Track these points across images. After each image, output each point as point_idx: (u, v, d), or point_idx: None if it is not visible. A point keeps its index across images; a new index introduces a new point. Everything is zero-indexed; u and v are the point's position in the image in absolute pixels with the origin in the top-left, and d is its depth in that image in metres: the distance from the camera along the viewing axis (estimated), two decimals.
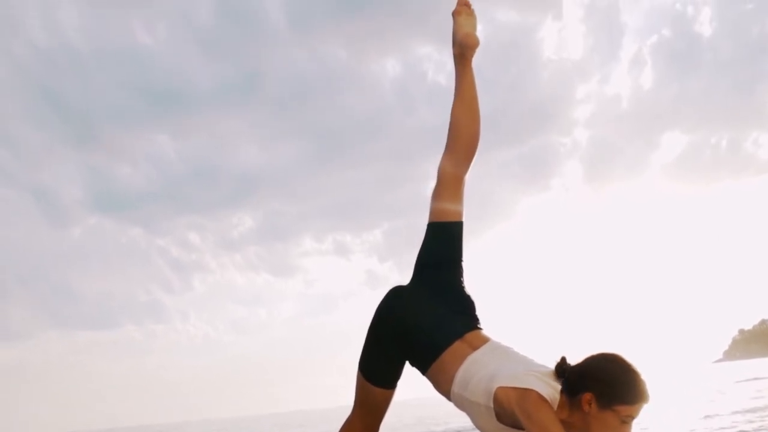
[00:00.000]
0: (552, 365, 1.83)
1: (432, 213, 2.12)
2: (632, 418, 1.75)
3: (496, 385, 1.78)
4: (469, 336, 1.96)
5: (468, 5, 2.24)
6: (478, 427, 1.90)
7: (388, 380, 2.07)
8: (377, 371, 2.07)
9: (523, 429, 1.73)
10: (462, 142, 2.13)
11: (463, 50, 2.19)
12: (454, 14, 2.24)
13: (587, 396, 1.74)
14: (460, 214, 2.12)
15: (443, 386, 1.95)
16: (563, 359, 1.83)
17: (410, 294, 2.06)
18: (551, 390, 1.76)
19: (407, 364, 2.05)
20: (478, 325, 2.02)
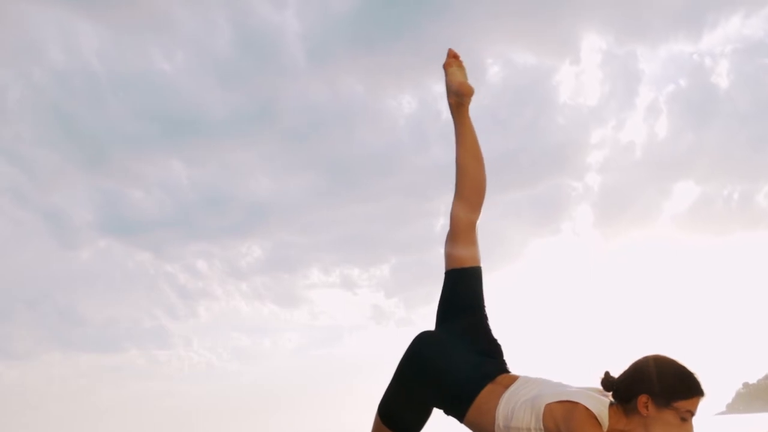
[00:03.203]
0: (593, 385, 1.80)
1: (448, 260, 2.10)
2: (692, 414, 1.71)
3: (543, 403, 1.73)
4: (500, 378, 1.92)
5: (457, 57, 2.31)
6: None
7: (412, 429, 2.02)
8: (402, 419, 2.01)
9: None
10: (472, 187, 2.14)
11: (459, 98, 2.23)
12: (445, 66, 2.30)
13: (643, 398, 1.71)
14: (477, 260, 2.11)
15: (486, 427, 1.85)
16: (607, 373, 1.81)
17: (439, 339, 2.02)
18: (599, 405, 1.71)
19: (440, 414, 1.99)
20: (508, 369, 1.99)
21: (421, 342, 2.02)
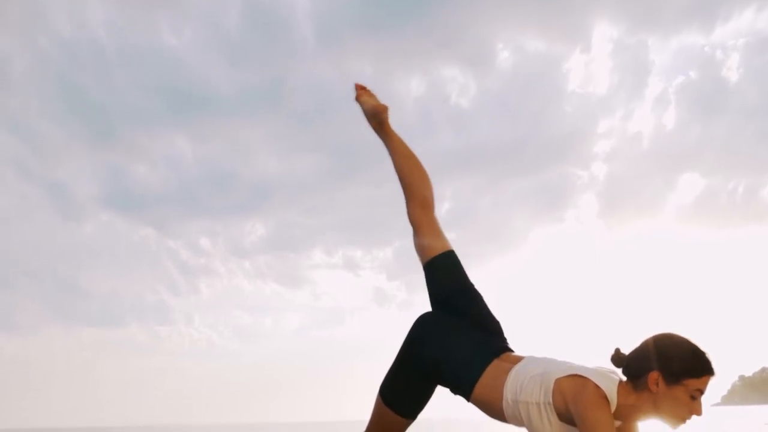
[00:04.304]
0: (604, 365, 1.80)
1: (421, 254, 2.14)
2: (701, 392, 1.71)
3: (553, 378, 1.74)
4: (506, 355, 1.93)
5: (364, 88, 2.37)
6: None
7: (413, 410, 2.04)
8: (403, 400, 2.02)
9: None
10: (416, 184, 2.20)
11: (378, 117, 2.29)
12: (357, 99, 2.36)
13: (654, 375, 1.71)
14: (447, 245, 2.14)
15: (494, 403, 1.85)
16: (617, 349, 1.82)
17: (441, 318, 2.04)
18: (609, 382, 1.72)
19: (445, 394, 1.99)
20: (510, 346, 2.00)
21: (424, 322, 2.03)
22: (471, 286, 2.10)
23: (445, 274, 2.11)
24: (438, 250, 2.12)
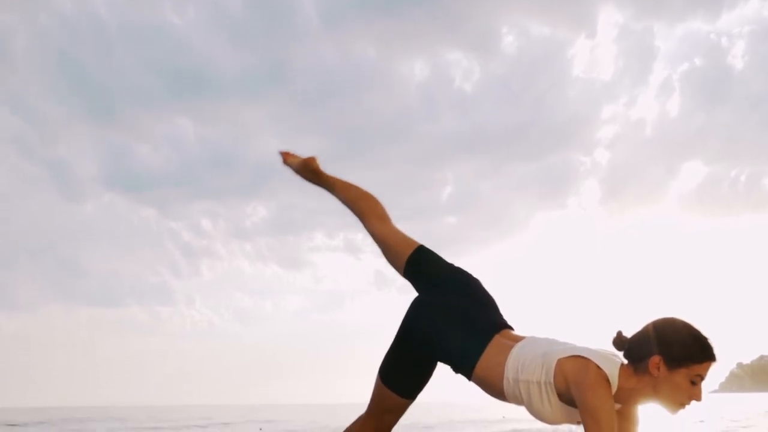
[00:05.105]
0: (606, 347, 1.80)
1: (396, 262, 2.16)
2: (702, 378, 1.71)
3: (555, 358, 1.74)
4: (506, 332, 1.93)
5: (287, 152, 2.47)
6: (536, 415, 1.83)
7: (413, 390, 2.04)
8: (402, 381, 2.02)
9: None
10: (367, 208, 2.27)
11: (310, 168, 2.39)
12: (286, 164, 2.47)
13: (655, 359, 1.71)
14: (416, 242, 2.17)
15: (495, 381, 1.85)
16: (620, 332, 1.82)
17: (437, 297, 2.03)
18: (610, 365, 1.71)
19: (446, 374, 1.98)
20: (507, 322, 2.00)
21: (421, 301, 2.04)
22: (456, 266, 2.11)
23: (426, 265, 2.12)
24: (409, 249, 2.15)
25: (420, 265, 2.13)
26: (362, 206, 2.29)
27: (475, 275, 2.11)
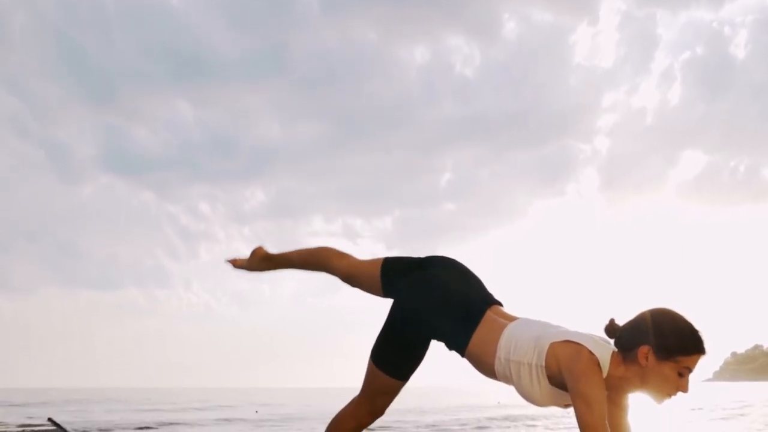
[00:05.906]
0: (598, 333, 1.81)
1: (372, 283, 2.18)
2: (690, 370, 1.72)
3: (548, 341, 1.75)
4: (495, 307, 1.95)
5: (234, 259, 2.49)
6: (524, 395, 1.84)
7: (406, 372, 2.03)
8: (395, 362, 2.02)
9: None
10: (323, 255, 2.32)
11: (261, 256, 2.43)
12: (237, 268, 2.49)
13: (644, 349, 1.71)
14: (380, 258, 2.21)
15: (487, 359, 1.86)
16: (612, 320, 1.82)
17: (426, 275, 2.04)
18: (602, 350, 1.73)
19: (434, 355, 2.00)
20: (497, 299, 2.03)
21: (413, 280, 2.04)
22: (430, 255, 2.13)
23: (400, 264, 2.15)
24: (378, 264, 2.18)
25: (394, 266, 2.15)
26: (320, 257, 2.34)
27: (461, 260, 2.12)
